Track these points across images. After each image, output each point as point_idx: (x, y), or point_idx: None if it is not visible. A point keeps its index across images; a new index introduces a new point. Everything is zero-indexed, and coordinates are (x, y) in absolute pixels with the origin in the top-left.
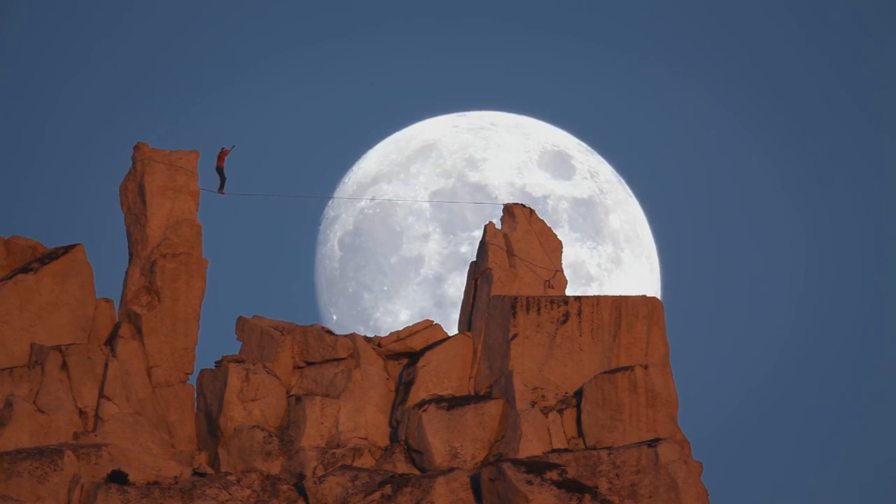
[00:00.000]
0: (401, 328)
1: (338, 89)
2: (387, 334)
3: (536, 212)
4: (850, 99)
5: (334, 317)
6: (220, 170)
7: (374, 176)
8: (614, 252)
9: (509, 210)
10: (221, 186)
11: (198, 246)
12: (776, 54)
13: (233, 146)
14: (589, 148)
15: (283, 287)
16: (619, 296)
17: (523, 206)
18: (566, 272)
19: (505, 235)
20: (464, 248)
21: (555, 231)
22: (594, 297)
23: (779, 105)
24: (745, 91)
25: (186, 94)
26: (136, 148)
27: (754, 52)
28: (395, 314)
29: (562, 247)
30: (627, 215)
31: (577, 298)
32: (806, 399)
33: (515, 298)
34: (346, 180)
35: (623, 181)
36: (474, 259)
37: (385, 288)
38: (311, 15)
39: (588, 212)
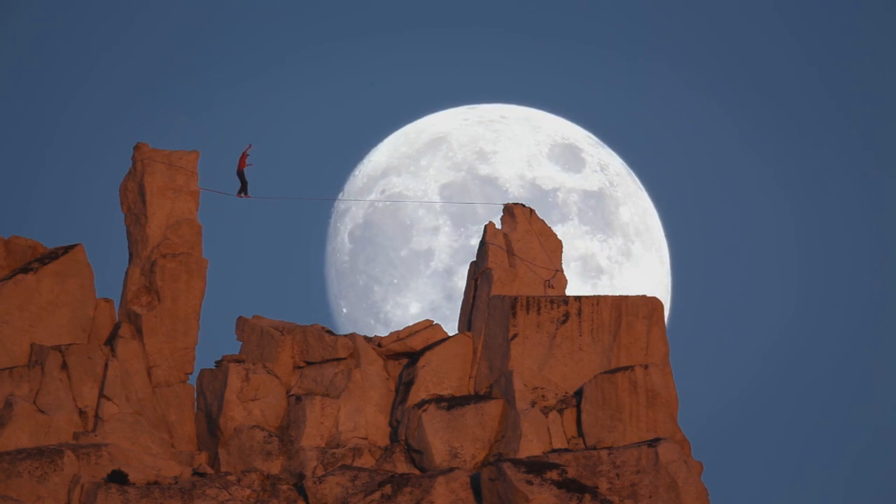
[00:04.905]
0: (411, 321)
1: (348, 85)
2: (396, 328)
3: (545, 205)
4: (855, 99)
5: (344, 310)
6: (241, 173)
7: (384, 169)
8: (624, 245)
9: (509, 210)
10: (244, 190)
11: (198, 246)
12: (778, 55)
13: (249, 146)
14: (599, 140)
15: (292, 281)
16: (619, 295)
17: (523, 205)
18: (576, 265)
19: (505, 235)
20: (474, 241)
21: (564, 224)
22: (594, 296)
23: (779, 108)
24: (749, 90)
25: (191, 94)
26: (136, 148)
27: (756, 52)
28: (404, 307)
29: (562, 246)
30: (637, 208)
31: (577, 298)
32: (809, 398)
33: (515, 298)
34: (357, 173)
35: (633, 174)
36: (474, 259)
37: (395, 281)
38: (323, 18)
39: (598, 204)
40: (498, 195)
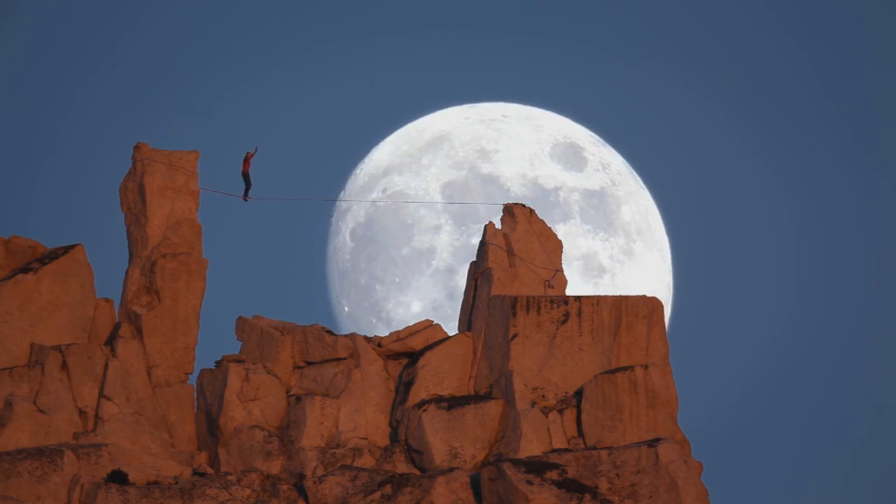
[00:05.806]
0: (413, 320)
1: (349, 85)
2: (397, 327)
3: (547, 204)
4: (855, 95)
5: (346, 308)
6: (245, 175)
7: (385, 168)
8: (626, 244)
9: (509, 210)
10: (246, 192)
11: (198, 246)
12: (777, 56)
13: (256, 149)
14: (601, 139)
15: (293, 280)
16: (619, 296)
17: (523, 205)
18: (578, 264)
19: (505, 235)
20: (475, 240)
21: (566, 223)
22: (594, 296)
23: (779, 108)
24: (749, 91)
25: (191, 95)
26: (136, 148)
27: (756, 53)
28: (406, 306)
29: (562, 246)
30: (639, 207)
31: (577, 298)
32: (808, 397)
33: (515, 298)
34: (358, 172)
35: (635, 172)
36: (474, 259)
37: (397, 279)
38: (324, 19)
39: (600, 203)
40: (499, 194)
